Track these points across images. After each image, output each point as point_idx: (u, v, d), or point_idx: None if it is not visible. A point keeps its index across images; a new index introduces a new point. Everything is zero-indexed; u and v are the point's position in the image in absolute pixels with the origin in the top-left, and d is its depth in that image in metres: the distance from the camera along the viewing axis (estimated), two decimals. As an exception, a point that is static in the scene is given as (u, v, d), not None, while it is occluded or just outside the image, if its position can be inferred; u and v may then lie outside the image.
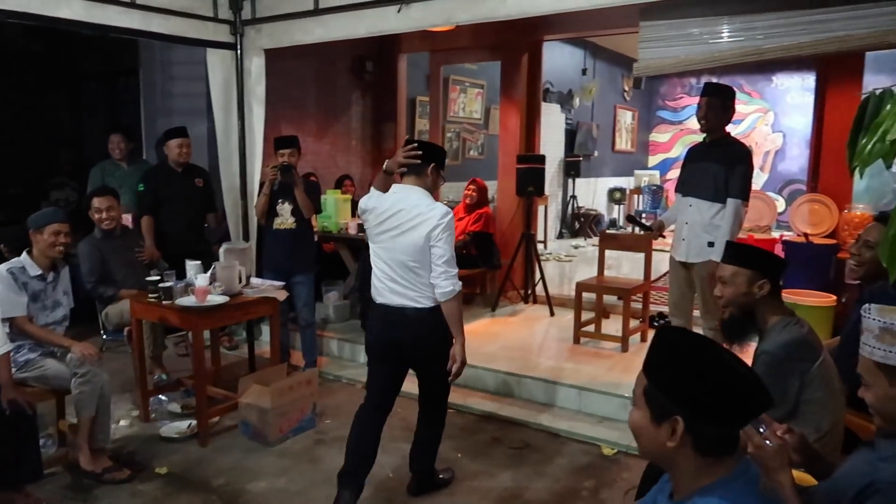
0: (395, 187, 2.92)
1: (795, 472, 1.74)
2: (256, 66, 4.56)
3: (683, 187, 3.99)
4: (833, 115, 5.20)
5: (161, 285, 3.71)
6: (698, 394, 1.32)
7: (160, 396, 4.19)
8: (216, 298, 3.70)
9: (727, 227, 3.72)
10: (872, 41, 3.14)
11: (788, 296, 4.68)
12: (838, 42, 3.18)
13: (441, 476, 3.31)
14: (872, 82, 7.12)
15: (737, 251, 2.48)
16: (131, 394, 4.23)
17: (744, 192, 3.76)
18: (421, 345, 2.91)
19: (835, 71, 5.29)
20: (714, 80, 11.90)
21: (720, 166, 3.76)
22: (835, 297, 4.67)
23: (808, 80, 10.74)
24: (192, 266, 3.88)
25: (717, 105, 3.77)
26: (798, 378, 2.21)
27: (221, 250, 4.31)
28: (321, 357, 5.05)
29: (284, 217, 4.49)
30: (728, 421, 1.34)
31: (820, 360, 2.25)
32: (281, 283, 4.16)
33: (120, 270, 4.28)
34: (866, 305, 1.61)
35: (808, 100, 9.77)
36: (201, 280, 3.69)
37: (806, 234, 5.30)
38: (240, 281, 3.99)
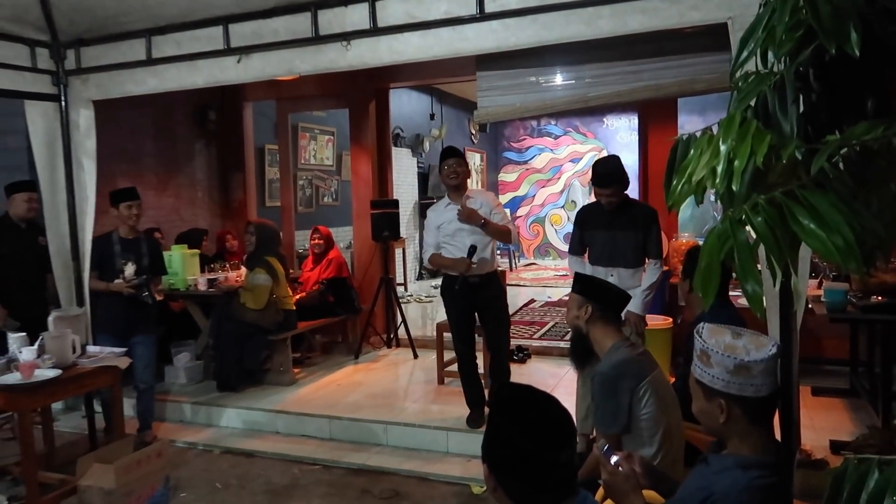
0: None
1: (645, 492, 1.85)
2: (85, 119, 4.24)
3: (602, 260, 3.86)
4: (655, 153, 5.72)
5: (-24, 364, 3.31)
6: (491, 451, 1.40)
7: (-19, 490, 3.70)
8: (46, 373, 3.35)
9: (647, 284, 3.77)
10: (678, 89, 3.52)
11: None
12: (651, 90, 3.53)
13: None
14: (687, 122, 7.94)
15: (575, 278, 2.70)
16: (-56, 491, 3.71)
17: (661, 251, 3.86)
18: None
19: (653, 114, 5.83)
20: (553, 122, 12.89)
21: (635, 232, 3.74)
22: (671, 320, 5.06)
23: (634, 121, 11.77)
24: (14, 339, 3.49)
25: (620, 187, 3.69)
26: (628, 395, 2.39)
27: (51, 318, 3.91)
28: (169, 423, 4.71)
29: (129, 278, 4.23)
30: (521, 478, 1.36)
31: (649, 377, 2.42)
32: (122, 350, 3.85)
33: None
34: (699, 325, 1.77)
35: (635, 138, 10.70)
36: (27, 354, 3.32)
37: (642, 263, 5.73)
38: (74, 351, 3.65)
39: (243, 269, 5.62)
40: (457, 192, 4.25)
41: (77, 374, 3.54)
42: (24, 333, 3.54)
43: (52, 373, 3.37)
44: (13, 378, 3.27)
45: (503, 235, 4.24)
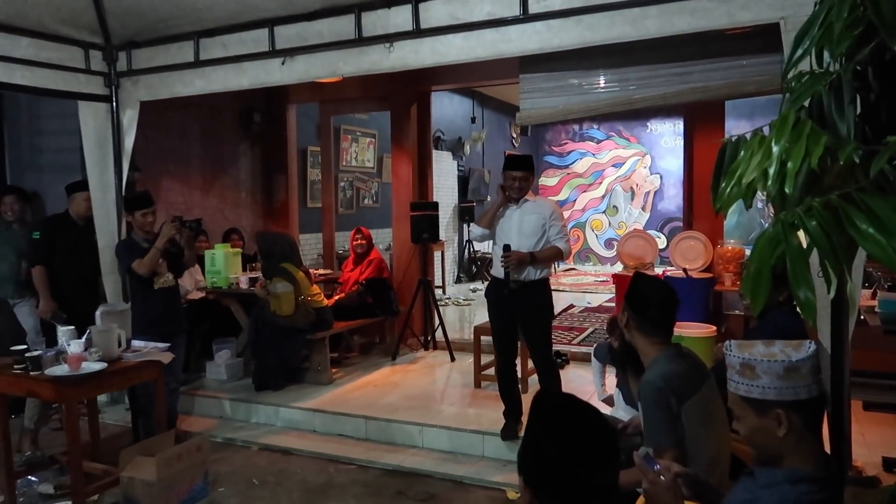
0: None
1: (687, 503, 1.79)
2: (128, 119, 4.36)
3: None
4: (700, 157, 5.60)
5: (28, 354, 3.40)
6: (526, 464, 1.33)
7: (30, 477, 3.81)
8: (92, 366, 3.42)
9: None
10: (727, 91, 3.43)
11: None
12: (698, 92, 3.44)
13: None
14: (734, 127, 7.76)
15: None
16: (-5, 477, 3.82)
17: None
18: None
19: (700, 117, 5.71)
20: (595, 126, 12.75)
21: None
22: (714, 328, 4.93)
23: (679, 126, 11.57)
24: (63, 332, 3.59)
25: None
26: (675, 410, 2.21)
27: (98, 313, 4.02)
28: (209, 419, 4.79)
29: (166, 276, 4.28)
30: (556, 497, 1.30)
31: (696, 396, 2.25)
32: (165, 345, 3.93)
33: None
34: (727, 342, 1.70)
35: (680, 143, 10.52)
36: (74, 346, 3.41)
37: (685, 270, 5.61)
38: (119, 345, 3.73)
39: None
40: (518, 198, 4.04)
41: (122, 368, 3.61)
42: (72, 327, 3.64)
43: (99, 366, 3.45)
44: (61, 370, 3.36)
45: (556, 258, 4.11)
